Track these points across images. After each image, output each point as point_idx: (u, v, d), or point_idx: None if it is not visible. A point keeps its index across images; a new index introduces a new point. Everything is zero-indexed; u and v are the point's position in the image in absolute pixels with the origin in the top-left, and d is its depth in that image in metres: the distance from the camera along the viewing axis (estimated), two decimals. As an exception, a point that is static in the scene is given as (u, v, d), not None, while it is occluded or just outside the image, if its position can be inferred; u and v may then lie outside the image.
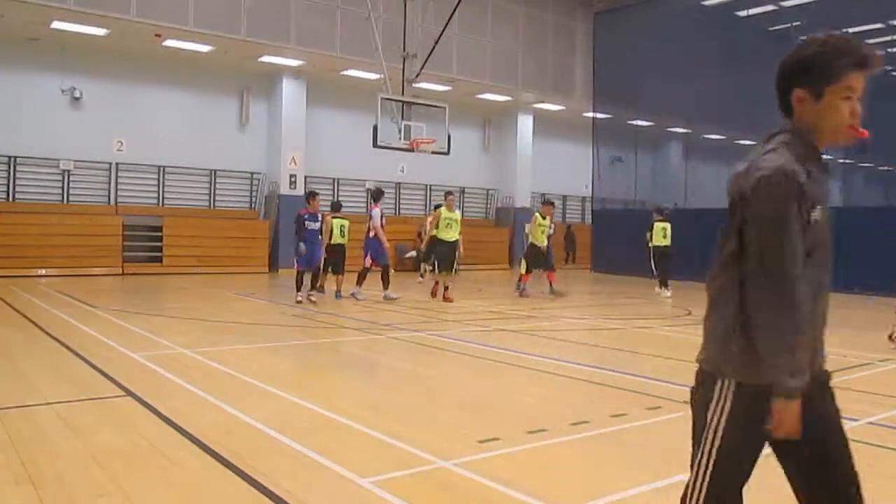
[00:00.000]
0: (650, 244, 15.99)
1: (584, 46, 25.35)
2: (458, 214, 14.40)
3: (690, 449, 2.21)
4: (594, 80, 24.68)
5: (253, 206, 21.99)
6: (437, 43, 17.87)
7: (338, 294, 13.96)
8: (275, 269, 21.06)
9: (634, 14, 23.92)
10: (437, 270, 14.17)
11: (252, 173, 21.85)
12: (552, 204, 15.77)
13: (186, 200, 20.86)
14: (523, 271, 14.96)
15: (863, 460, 4.18)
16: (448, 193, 15.09)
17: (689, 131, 27.67)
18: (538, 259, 14.98)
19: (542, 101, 25.58)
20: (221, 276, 18.80)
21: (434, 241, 14.14)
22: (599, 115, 25.47)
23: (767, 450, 2.13)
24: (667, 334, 9.90)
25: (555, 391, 6.45)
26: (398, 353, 8.25)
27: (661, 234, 15.91)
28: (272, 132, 21.76)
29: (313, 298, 12.98)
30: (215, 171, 21.27)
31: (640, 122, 26.95)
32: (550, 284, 15.05)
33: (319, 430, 4.77)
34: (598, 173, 25.30)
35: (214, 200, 21.37)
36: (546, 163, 27.90)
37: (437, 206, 15.24)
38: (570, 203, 30.08)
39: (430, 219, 15.99)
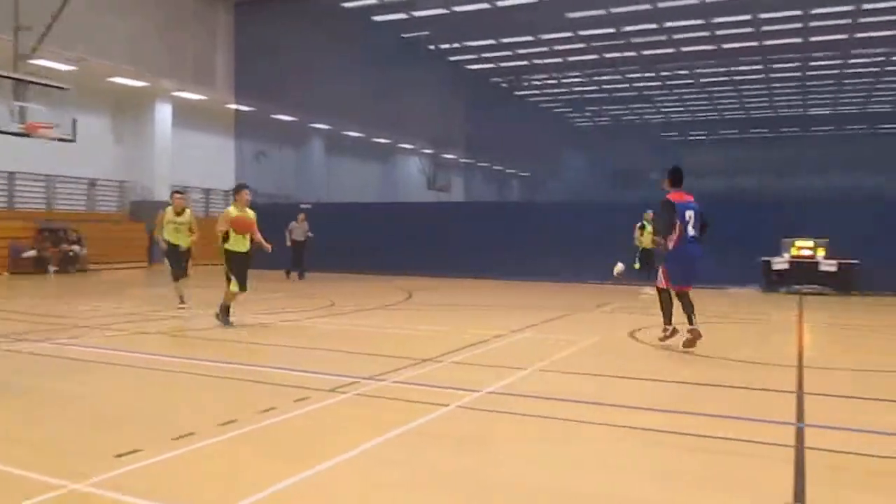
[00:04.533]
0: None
1: (226, 37, 24.73)
2: None
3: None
4: (236, 71, 24.27)
5: None
6: (56, 17, 16.07)
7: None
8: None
9: (276, 9, 23.96)
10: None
11: None
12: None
13: None
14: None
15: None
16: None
17: (331, 128, 28.60)
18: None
19: (182, 90, 24.39)
20: None
21: None
22: (242, 108, 25.10)
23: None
24: (312, 325, 10.12)
25: (204, 392, 6.19)
26: (26, 369, 7.19)
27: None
28: None
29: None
30: None
31: (283, 117, 27.14)
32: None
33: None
34: (243, 166, 24.96)
35: None
36: (188, 154, 26.67)
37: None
38: (214, 196, 29.10)
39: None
